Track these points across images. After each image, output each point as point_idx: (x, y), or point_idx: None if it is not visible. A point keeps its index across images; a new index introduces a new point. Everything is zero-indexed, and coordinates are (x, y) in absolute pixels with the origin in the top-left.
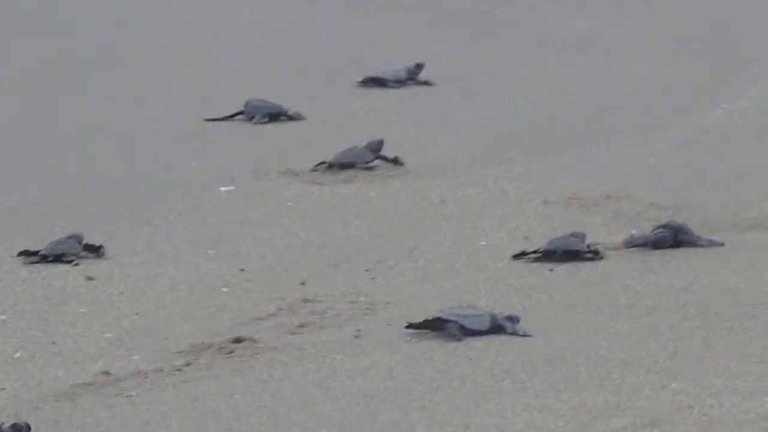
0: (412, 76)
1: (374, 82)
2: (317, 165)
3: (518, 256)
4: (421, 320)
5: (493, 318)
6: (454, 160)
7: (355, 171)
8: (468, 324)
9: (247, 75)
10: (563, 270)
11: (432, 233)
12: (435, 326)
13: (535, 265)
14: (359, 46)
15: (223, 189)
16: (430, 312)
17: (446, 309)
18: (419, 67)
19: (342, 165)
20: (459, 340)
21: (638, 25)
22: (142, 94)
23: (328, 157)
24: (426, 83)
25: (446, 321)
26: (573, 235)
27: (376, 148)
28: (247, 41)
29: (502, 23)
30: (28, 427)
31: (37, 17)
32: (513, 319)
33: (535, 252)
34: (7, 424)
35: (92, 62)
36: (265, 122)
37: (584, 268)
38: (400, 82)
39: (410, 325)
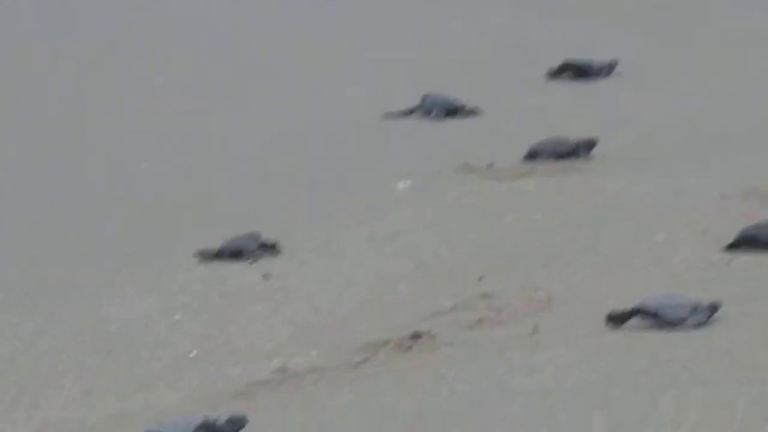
0: (604, 73)
1: (570, 69)
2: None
3: (731, 246)
4: (621, 312)
5: (695, 306)
6: (632, 155)
7: (533, 165)
8: (669, 313)
9: (422, 69)
10: (741, 263)
11: (610, 227)
12: (639, 315)
13: (714, 258)
14: (536, 42)
15: (399, 185)
16: (632, 302)
17: (647, 300)
18: (612, 65)
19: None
20: (674, 325)
21: None
22: (319, 90)
23: (506, 152)
24: (610, 71)
25: (646, 312)
26: None
27: (586, 145)
28: (424, 35)
29: (678, 18)
30: (246, 419)
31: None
32: (714, 308)
33: (735, 241)
34: (222, 419)
35: (272, 60)
36: (443, 117)
37: (763, 262)
38: (596, 72)
39: (611, 318)
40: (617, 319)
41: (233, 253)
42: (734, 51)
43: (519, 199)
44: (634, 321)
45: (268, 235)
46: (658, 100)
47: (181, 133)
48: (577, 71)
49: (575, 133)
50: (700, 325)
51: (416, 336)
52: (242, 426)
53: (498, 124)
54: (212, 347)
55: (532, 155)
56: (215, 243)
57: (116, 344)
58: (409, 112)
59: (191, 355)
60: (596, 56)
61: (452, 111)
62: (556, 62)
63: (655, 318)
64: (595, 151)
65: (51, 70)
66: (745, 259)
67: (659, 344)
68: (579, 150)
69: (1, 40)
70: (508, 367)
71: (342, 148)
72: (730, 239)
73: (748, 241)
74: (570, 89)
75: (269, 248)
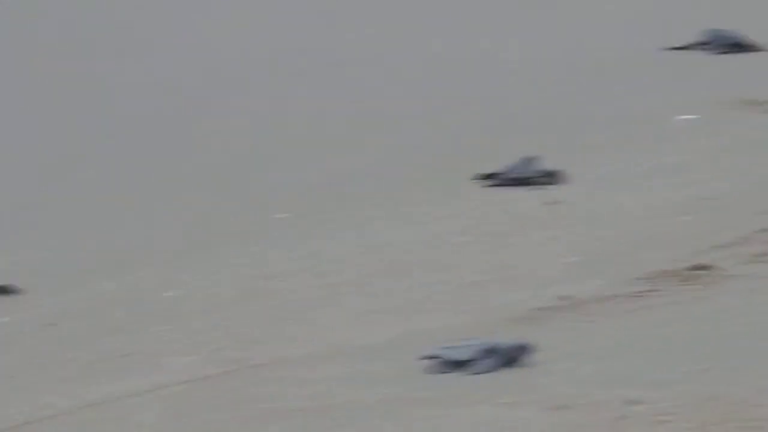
0: None
1: None
2: None
3: None
4: None
5: None
6: None
7: None
8: None
9: (705, 4)
10: None
11: None
12: None
13: None
14: None
15: (682, 118)
16: None
17: None
18: None
19: None
20: None
21: None
22: (598, 21)
23: None
24: None
25: None
26: None
27: None
28: None
29: None
30: (532, 346)
31: None
32: None
33: None
34: (508, 344)
35: None
36: (726, 52)
37: None
38: None
39: None
40: None
41: (515, 178)
42: None
43: None
44: None
45: (549, 163)
46: None
47: (456, 58)
48: None
49: None
50: None
51: (699, 267)
52: (528, 353)
53: None
54: (494, 272)
55: None
56: (493, 168)
57: (397, 267)
58: (693, 46)
59: (474, 279)
60: None
61: (735, 46)
62: None
63: None
64: None
65: None
66: None
67: None
68: None
69: None
70: None
71: (625, 80)
72: None
73: None
74: None
75: (551, 175)
